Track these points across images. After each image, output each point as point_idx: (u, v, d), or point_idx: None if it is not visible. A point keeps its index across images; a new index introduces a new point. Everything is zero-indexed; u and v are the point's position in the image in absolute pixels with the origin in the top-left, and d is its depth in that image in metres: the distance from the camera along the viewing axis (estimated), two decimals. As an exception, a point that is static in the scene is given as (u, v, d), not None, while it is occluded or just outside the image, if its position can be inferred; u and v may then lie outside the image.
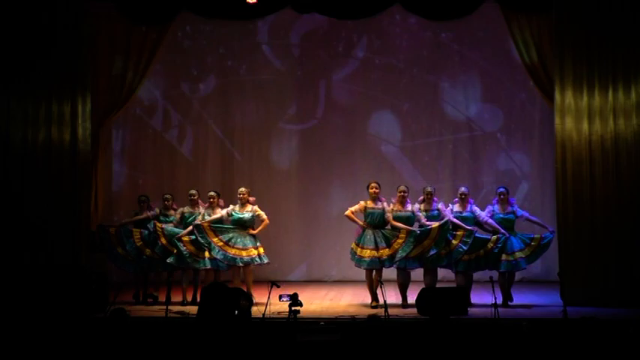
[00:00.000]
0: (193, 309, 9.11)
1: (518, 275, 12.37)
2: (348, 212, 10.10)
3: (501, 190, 10.16)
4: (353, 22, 12.62)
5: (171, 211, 10.61)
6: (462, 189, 10.16)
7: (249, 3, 10.95)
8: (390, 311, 8.51)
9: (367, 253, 9.92)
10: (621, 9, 10.12)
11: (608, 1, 10.17)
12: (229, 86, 13.37)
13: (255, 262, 10.16)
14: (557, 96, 10.15)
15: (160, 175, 13.29)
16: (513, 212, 10.09)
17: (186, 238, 10.21)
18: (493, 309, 8.22)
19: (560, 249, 10.14)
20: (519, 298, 10.43)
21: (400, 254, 9.84)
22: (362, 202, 10.12)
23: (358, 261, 9.99)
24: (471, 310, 9.23)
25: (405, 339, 7.07)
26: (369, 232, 10.01)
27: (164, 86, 13.31)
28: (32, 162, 10.49)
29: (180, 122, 13.43)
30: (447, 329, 7.67)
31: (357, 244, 10.05)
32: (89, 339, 7.07)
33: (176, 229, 10.32)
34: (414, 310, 9.15)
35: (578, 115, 10.11)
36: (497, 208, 10.10)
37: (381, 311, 8.58)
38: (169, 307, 8.90)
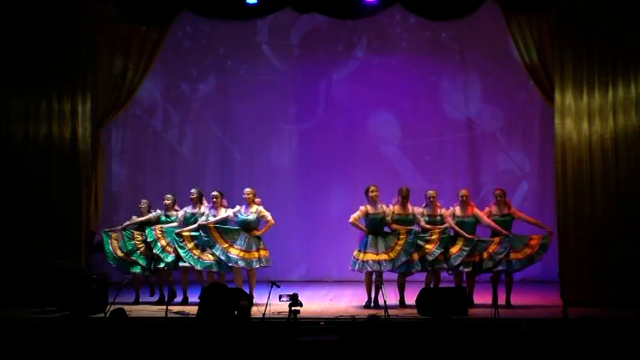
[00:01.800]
0: (193, 309, 9.10)
1: (518, 275, 12.42)
2: (352, 220, 9.97)
3: (498, 191, 10.15)
4: (353, 22, 12.63)
5: (173, 212, 10.60)
6: (463, 191, 10.10)
7: (249, 3, 10.96)
8: (390, 311, 8.50)
9: (369, 257, 9.90)
10: (620, 8, 10.11)
11: (608, 1, 10.17)
12: (229, 86, 13.38)
13: (255, 266, 10.12)
14: (557, 96, 10.15)
15: (160, 175, 13.31)
16: (510, 213, 10.07)
17: (186, 234, 10.21)
18: (493, 309, 8.21)
19: (560, 249, 10.13)
20: (519, 298, 10.44)
21: (402, 258, 9.83)
22: (362, 208, 10.00)
23: (361, 265, 9.95)
24: (471, 310, 9.22)
25: (405, 339, 7.07)
26: (371, 237, 9.98)
27: (164, 86, 13.32)
28: (32, 162, 10.52)
29: (180, 122, 13.45)
30: (447, 329, 7.67)
31: (360, 250, 10.01)
32: (89, 339, 7.07)
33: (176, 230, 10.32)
34: (414, 310, 9.14)
35: (578, 115, 10.11)
36: (494, 209, 10.08)
37: (381, 311, 8.57)
38: (169, 307, 8.90)
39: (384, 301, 8.72)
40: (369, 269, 9.90)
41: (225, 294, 8.24)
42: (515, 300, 10.16)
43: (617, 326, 7.44)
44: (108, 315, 7.73)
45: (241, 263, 10.05)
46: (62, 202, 10.51)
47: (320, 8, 11.41)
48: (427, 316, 8.65)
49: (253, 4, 11.06)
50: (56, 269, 9.76)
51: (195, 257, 10.16)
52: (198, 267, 10.17)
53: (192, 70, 13.41)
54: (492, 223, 9.97)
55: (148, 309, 9.82)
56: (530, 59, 10.57)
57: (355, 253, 10.06)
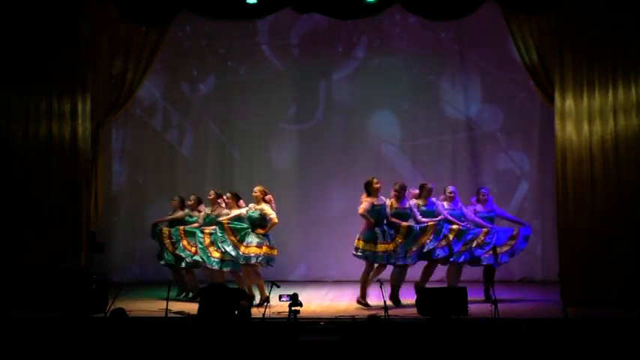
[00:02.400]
0: (193, 308, 9.10)
1: (518, 275, 12.49)
2: (362, 211, 9.94)
3: (485, 190, 10.58)
4: (353, 22, 12.62)
5: (196, 212, 10.84)
6: (451, 188, 10.49)
7: (249, 3, 10.97)
8: (390, 311, 8.51)
9: (381, 247, 9.90)
10: (621, 8, 10.10)
11: (608, 1, 10.16)
12: (229, 86, 13.36)
13: (250, 261, 10.05)
14: (557, 97, 10.14)
15: (160, 175, 13.30)
16: (494, 210, 10.51)
17: (207, 230, 10.37)
18: (493, 309, 8.21)
19: (560, 249, 10.14)
20: (519, 298, 10.46)
21: (400, 253, 9.87)
22: (368, 199, 9.99)
23: (372, 257, 9.95)
24: (471, 310, 9.21)
25: (405, 339, 7.07)
26: (377, 229, 9.98)
27: (164, 86, 13.31)
28: (32, 162, 10.52)
29: (180, 122, 13.44)
30: (447, 329, 7.68)
31: (367, 241, 9.95)
32: (89, 339, 7.07)
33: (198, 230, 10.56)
34: (414, 310, 9.15)
35: (578, 116, 10.10)
36: (479, 207, 10.45)
37: (381, 311, 8.57)
38: (169, 307, 8.89)
39: (384, 301, 8.72)
40: (383, 262, 9.95)
41: (225, 294, 8.25)
42: (515, 300, 10.18)
43: (617, 326, 7.45)
44: (108, 315, 7.74)
45: (241, 259, 10.09)
46: (62, 202, 10.51)
47: (320, 8, 11.40)
48: (427, 316, 8.66)
49: (253, 4, 11.06)
50: (56, 269, 9.77)
51: (208, 254, 10.28)
52: (208, 264, 10.32)
53: (193, 70, 13.40)
54: (477, 219, 10.33)
55: (148, 309, 9.82)
56: (530, 59, 10.57)
57: (362, 245, 9.95)
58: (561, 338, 7.04)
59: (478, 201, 10.49)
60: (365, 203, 9.98)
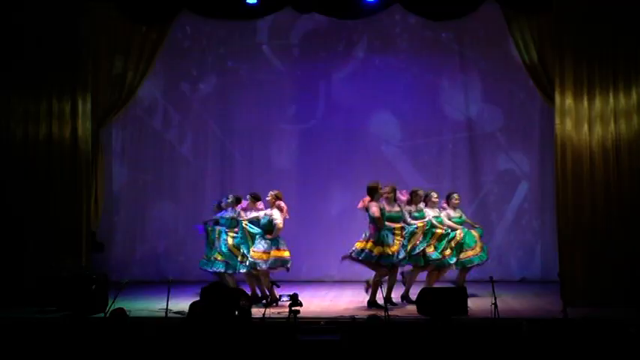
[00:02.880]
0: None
1: (518, 275, 12.49)
2: (377, 214, 9.87)
3: (456, 195, 10.87)
4: (353, 22, 12.63)
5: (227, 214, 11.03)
6: (435, 194, 10.73)
7: (249, 3, 10.97)
8: (390, 311, 8.50)
9: (392, 249, 9.89)
10: (621, 9, 10.10)
11: (608, 1, 10.16)
12: (229, 86, 13.37)
13: (257, 267, 10.04)
14: (557, 97, 10.13)
15: (160, 175, 13.30)
16: (463, 215, 10.88)
17: (231, 234, 10.55)
18: (493, 309, 8.21)
19: (560, 249, 10.13)
20: (519, 298, 10.45)
21: (400, 255, 9.88)
22: (375, 203, 9.94)
23: (387, 258, 9.90)
24: (470, 310, 9.21)
25: (405, 339, 7.07)
26: (384, 232, 9.98)
27: (164, 86, 13.31)
28: (32, 162, 10.53)
29: (181, 122, 13.44)
30: (447, 329, 7.68)
31: (379, 243, 9.91)
32: (89, 339, 7.07)
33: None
34: (414, 310, 9.14)
35: (578, 116, 10.09)
36: (451, 212, 10.76)
37: (381, 311, 8.58)
38: (169, 307, 8.90)
39: (384, 301, 8.73)
40: (395, 262, 9.98)
41: (225, 294, 8.24)
42: (515, 300, 10.20)
43: (617, 326, 7.45)
44: (108, 315, 7.73)
45: (250, 265, 10.13)
46: (62, 202, 10.51)
47: (320, 8, 11.42)
48: (427, 316, 8.66)
49: (253, 4, 11.07)
50: (56, 269, 9.77)
51: (234, 256, 10.47)
52: (232, 265, 10.53)
53: (193, 70, 13.40)
54: (450, 223, 10.64)
55: (148, 309, 9.82)
56: (530, 59, 10.58)
57: (375, 247, 9.87)
58: (561, 338, 7.04)
59: (449, 205, 10.76)
60: (375, 207, 9.90)
